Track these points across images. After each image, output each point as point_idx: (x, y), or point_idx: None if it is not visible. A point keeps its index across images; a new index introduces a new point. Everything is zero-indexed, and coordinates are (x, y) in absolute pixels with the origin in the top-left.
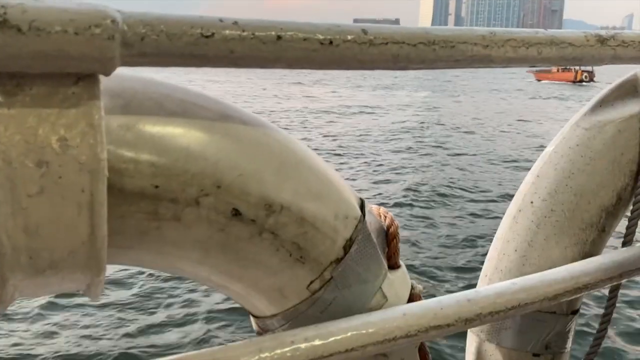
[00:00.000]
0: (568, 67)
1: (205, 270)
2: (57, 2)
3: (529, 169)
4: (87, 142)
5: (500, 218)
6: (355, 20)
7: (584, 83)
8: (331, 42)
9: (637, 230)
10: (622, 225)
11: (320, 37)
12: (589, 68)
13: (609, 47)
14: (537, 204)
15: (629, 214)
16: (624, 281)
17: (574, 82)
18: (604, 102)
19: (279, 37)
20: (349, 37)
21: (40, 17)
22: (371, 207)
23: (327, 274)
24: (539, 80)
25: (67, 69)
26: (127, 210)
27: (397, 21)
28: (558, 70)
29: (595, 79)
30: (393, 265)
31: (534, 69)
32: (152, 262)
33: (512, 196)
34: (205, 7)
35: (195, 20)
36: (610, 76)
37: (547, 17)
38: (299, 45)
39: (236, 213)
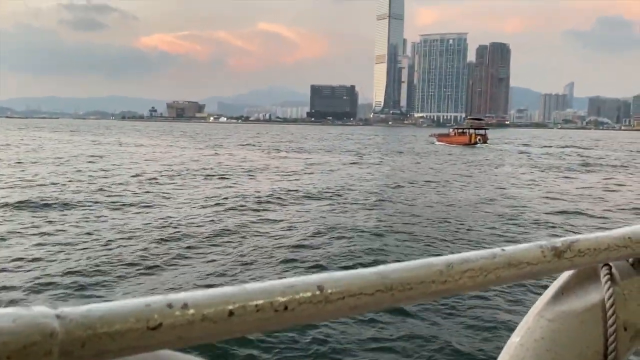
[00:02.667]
0: (464, 131)
1: None
2: None
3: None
4: None
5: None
6: (312, 87)
7: (477, 145)
8: (286, 308)
9: None
10: None
11: (275, 302)
12: (482, 132)
13: (565, 260)
14: None
15: None
16: None
17: (469, 143)
18: (566, 290)
19: (230, 313)
20: (305, 296)
21: None
22: None
23: None
24: (440, 143)
25: None
26: None
27: (352, 88)
28: (455, 134)
29: (488, 141)
30: None
31: (437, 133)
32: None
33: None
34: None
35: (141, 312)
36: (502, 140)
37: (495, 85)
38: (252, 318)
39: None
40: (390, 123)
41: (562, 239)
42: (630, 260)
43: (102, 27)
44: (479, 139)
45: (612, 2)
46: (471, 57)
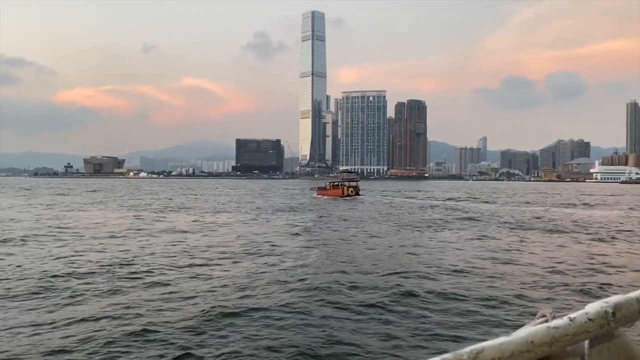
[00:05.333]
0: (337, 184)
1: None
2: None
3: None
4: None
5: None
6: (238, 141)
7: (348, 197)
8: None
9: None
10: None
11: None
12: (354, 184)
13: None
14: None
15: None
16: None
17: (342, 196)
18: None
19: None
20: None
21: None
22: None
23: None
24: (319, 196)
25: None
26: None
27: (278, 142)
28: (330, 188)
29: (360, 193)
30: None
31: (317, 186)
32: None
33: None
34: None
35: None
36: (371, 192)
37: (414, 139)
38: None
39: None
40: (316, 176)
41: (467, 349)
42: None
43: (16, 81)
44: (351, 191)
45: (515, 64)
46: (391, 113)
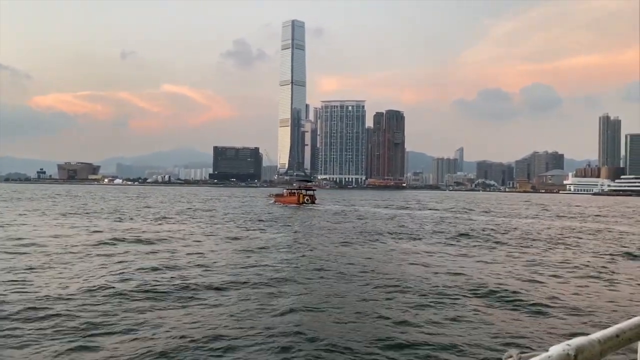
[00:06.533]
0: (293, 192)
1: None
2: None
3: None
4: None
5: None
6: (215, 149)
7: (304, 205)
8: None
9: None
10: None
11: None
12: (310, 192)
13: None
14: None
15: None
16: None
17: (298, 203)
18: None
19: None
20: None
21: None
22: None
23: None
24: (275, 202)
25: None
26: None
27: (256, 150)
28: (287, 195)
29: (316, 201)
30: None
31: (274, 193)
32: None
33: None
34: None
35: None
36: (329, 200)
37: (392, 149)
38: None
39: None
40: (294, 184)
41: None
42: None
43: None
44: (307, 199)
45: (493, 76)
46: (369, 123)
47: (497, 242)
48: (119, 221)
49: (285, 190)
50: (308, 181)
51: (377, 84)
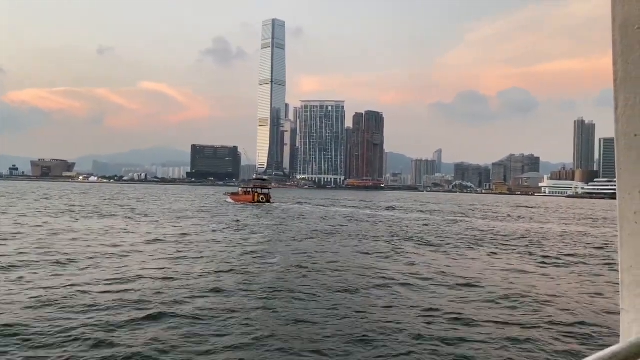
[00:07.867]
0: (248, 191)
1: None
2: None
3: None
4: None
5: None
6: (193, 147)
7: (259, 203)
8: None
9: None
10: None
11: None
12: (265, 191)
13: None
14: None
15: None
16: None
17: (253, 202)
18: None
19: None
20: None
21: None
22: None
23: None
24: (231, 201)
25: None
26: None
27: (235, 149)
28: (243, 193)
29: (271, 200)
30: None
31: (230, 192)
32: None
33: None
34: None
35: None
36: (283, 199)
37: (371, 150)
38: None
39: None
40: (273, 184)
41: None
42: None
43: None
44: (262, 198)
45: (471, 80)
46: (349, 123)
47: (430, 244)
48: None
49: (240, 189)
50: (264, 180)
51: (358, 85)
